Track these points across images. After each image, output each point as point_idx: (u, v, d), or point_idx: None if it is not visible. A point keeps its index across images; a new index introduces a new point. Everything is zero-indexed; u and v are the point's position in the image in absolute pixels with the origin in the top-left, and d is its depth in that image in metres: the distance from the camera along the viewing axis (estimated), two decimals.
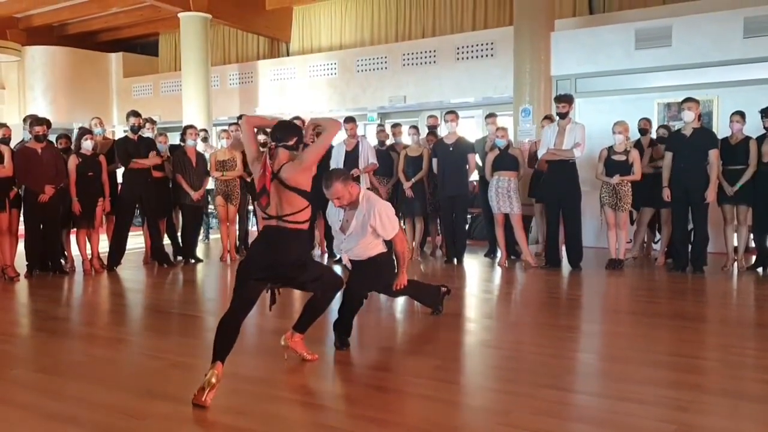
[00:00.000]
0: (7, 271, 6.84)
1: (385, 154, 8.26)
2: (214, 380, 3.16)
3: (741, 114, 6.84)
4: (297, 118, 8.42)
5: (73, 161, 7.05)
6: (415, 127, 8.44)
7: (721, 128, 7.90)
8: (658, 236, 7.96)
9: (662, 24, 8.90)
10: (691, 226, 6.96)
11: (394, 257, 4.37)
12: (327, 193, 4.02)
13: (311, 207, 3.58)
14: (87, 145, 7.15)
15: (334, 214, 4.29)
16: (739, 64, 8.41)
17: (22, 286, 6.63)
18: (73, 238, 7.62)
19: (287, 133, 3.59)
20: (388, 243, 4.31)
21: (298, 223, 3.51)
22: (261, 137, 8.21)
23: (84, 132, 7.29)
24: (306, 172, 3.52)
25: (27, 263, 7.03)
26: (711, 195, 6.68)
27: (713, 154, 6.67)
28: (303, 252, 3.67)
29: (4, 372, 3.85)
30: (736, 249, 7.08)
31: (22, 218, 7.07)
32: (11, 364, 4.06)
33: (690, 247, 6.94)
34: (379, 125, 9.42)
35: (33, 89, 15.16)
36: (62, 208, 7.12)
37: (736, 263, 7.07)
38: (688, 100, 6.80)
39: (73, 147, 7.37)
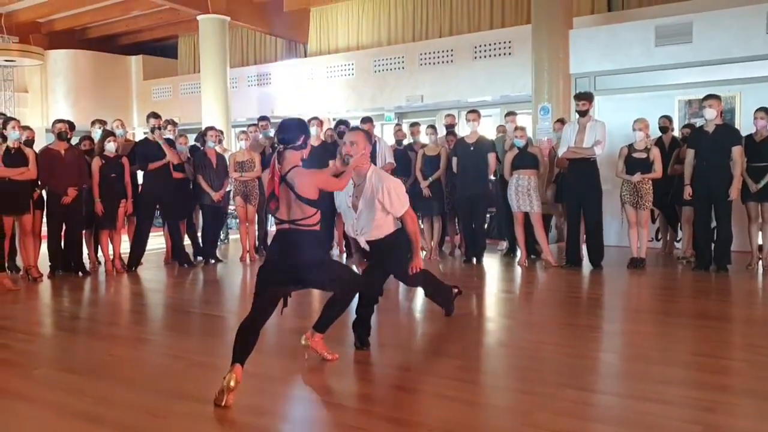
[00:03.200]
0: (30, 272, 6.93)
1: (403, 154, 8.26)
2: (232, 384, 3.16)
3: (765, 110, 6.72)
4: (315, 118, 8.46)
5: (96, 163, 7.14)
6: (433, 127, 8.42)
7: (744, 125, 7.78)
8: (680, 234, 7.88)
9: (682, 20, 8.79)
10: (714, 224, 6.87)
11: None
12: (346, 136, 4.00)
13: (324, 209, 3.59)
14: (110, 147, 7.24)
15: (343, 195, 4.20)
16: (762, 59, 8.27)
17: (45, 287, 6.71)
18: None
19: (294, 133, 3.50)
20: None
21: (310, 225, 3.49)
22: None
23: (107, 134, 7.38)
24: (312, 188, 3.46)
25: (50, 264, 7.13)
26: (734, 192, 6.59)
27: (737, 151, 6.58)
28: (319, 252, 3.63)
29: (29, 371, 3.90)
30: (760, 247, 6.97)
31: (45, 219, 7.17)
32: (36, 363, 4.11)
33: (713, 245, 6.85)
34: (397, 124, 9.43)
35: (55, 92, 15.37)
36: (84, 210, 7.21)
37: (761, 262, 6.96)
38: (709, 97, 6.71)
39: (96, 149, 7.47)
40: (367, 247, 4.21)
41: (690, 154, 6.82)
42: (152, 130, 7.64)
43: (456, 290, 5.03)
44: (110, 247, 7.41)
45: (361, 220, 4.13)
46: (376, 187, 4.02)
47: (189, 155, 8.15)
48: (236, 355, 3.28)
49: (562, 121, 7.98)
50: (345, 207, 4.21)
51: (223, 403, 3.14)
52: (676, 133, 7.97)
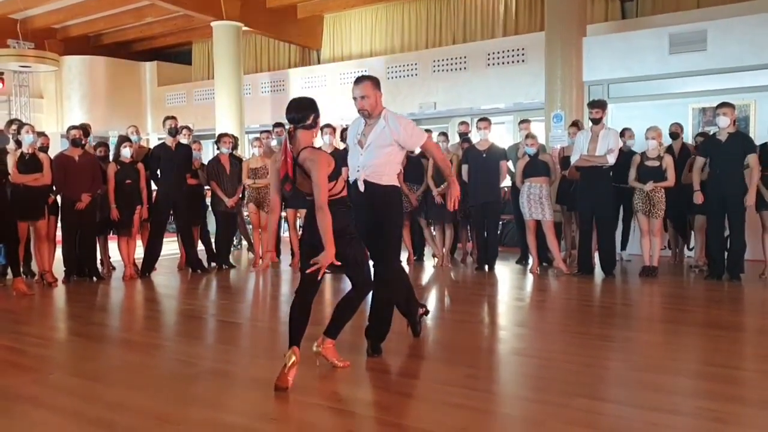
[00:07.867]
0: (45, 277, 7.00)
1: (416, 161, 8.26)
2: (294, 358, 3.36)
3: None
4: (328, 125, 8.50)
5: (111, 168, 7.21)
6: (444, 134, 8.43)
7: (759, 133, 7.74)
8: (692, 243, 7.84)
9: (697, 28, 8.77)
10: (727, 233, 6.83)
11: (403, 208, 4.28)
12: (354, 90, 3.96)
13: (339, 179, 3.62)
14: (126, 152, 7.31)
15: (353, 132, 4.18)
16: None
17: (59, 292, 6.78)
18: (111, 244, 7.79)
19: (304, 112, 3.53)
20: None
21: (334, 195, 3.56)
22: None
23: (123, 140, 7.45)
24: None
25: (65, 269, 7.20)
26: (750, 200, 6.55)
27: (752, 159, 6.55)
28: (348, 223, 3.67)
29: (44, 376, 3.94)
30: None
31: (59, 225, 7.24)
32: (50, 368, 4.15)
33: (726, 254, 6.81)
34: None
35: (70, 98, 15.53)
36: (99, 215, 7.27)
37: None
38: (723, 105, 6.68)
39: (111, 155, 7.53)
40: (362, 188, 4.07)
41: (699, 161, 6.79)
42: (170, 132, 7.65)
43: (422, 309, 4.75)
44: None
45: (366, 155, 4.06)
46: (392, 128, 4.01)
47: (203, 162, 8.22)
48: (291, 337, 3.46)
49: (576, 125, 7.94)
50: (353, 144, 4.17)
51: (288, 381, 3.34)
52: (689, 140, 7.93)
